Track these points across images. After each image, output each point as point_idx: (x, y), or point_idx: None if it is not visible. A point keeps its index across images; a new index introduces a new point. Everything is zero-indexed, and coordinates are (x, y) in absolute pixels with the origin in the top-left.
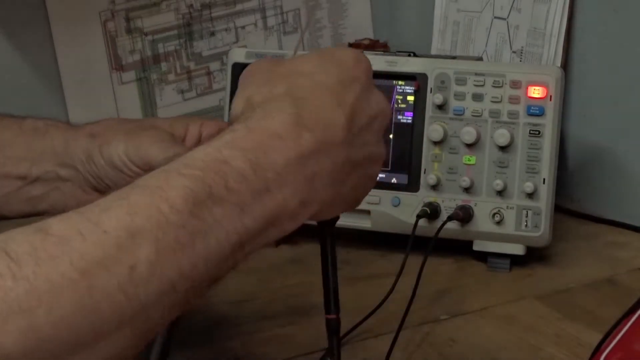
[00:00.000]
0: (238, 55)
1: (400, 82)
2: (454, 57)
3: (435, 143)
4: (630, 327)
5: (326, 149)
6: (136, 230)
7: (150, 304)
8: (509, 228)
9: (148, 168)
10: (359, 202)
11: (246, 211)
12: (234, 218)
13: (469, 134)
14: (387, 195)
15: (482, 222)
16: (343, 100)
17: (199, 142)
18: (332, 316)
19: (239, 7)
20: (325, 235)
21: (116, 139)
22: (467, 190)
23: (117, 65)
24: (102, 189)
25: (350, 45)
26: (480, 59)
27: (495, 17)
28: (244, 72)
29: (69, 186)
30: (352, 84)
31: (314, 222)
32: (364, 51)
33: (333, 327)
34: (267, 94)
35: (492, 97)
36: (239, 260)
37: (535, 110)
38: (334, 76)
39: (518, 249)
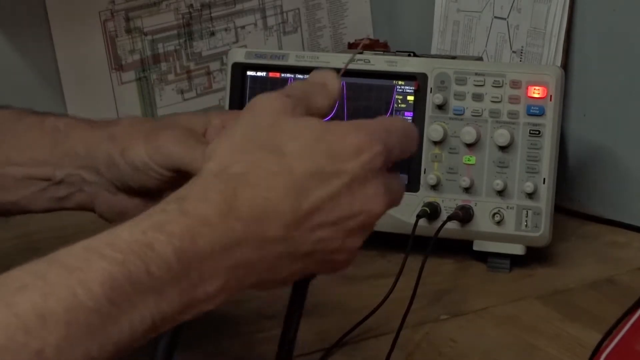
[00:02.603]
0: (238, 55)
1: (400, 82)
2: (454, 57)
3: (435, 143)
4: (630, 327)
5: (256, 244)
6: (48, 313)
7: None
8: (509, 228)
9: (173, 168)
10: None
11: (164, 297)
12: (151, 303)
13: (469, 134)
14: None
15: (482, 222)
16: (305, 195)
17: None
18: None
19: (238, 7)
20: (297, 292)
21: (136, 142)
22: (467, 190)
23: (117, 65)
24: (127, 191)
25: (351, 45)
26: (480, 58)
27: (495, 17)
28: (252, 107)
29: (94, 188)
30: (332, 179)
31: None
32: (364, 50)
33: None
34: (226, 166)
35: (492, 97)
36: (149, 338)
37: (536, 110)
38: (312, 165)
39: (518, 249)
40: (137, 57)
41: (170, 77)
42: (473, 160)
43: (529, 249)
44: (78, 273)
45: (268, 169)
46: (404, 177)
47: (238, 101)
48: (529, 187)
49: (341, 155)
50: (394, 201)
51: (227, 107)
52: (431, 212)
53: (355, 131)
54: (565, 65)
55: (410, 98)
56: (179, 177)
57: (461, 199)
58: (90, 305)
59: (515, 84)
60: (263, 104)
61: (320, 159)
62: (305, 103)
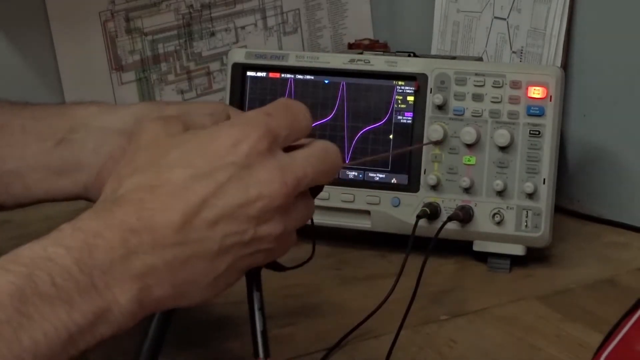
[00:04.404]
0: (238, 55)
1: (400, 82)
2: (453, 57)
3: (436, 143)
4: (630, 327)
5: (155, 251)
6: None
7: None
8: (509, 228)
9: None
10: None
11: (75, 307)
12: (62, 314)
13: (469, 134)
14: (387, 195)
15: (482, 222)
16: (187, 197)
17: None
18: None
19: (238, 7)
20: (250, 282)
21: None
22: (467, 190)
23: (117, 66)
24: None
25: (351, 45)
26: (480, 59)
27: (495, 17)
28: (136, 135)
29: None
30: (213, 175)
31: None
32: (365, 51)
33: None
34: (116, 188)
35: (492, 98)
36: (73, 356)
37: (536, 110)
38: (190, 169)
39: (518, 250)
40: (137, 57)
41: (171, 77)
42: (473, 160)
43: (529, 250)
44: None
45: (148, 184)
46: (404, 177)
47: (238, 101)
48: (529, 187)
49: (218, 153)
50: (299, 175)
51: None
52: (431, 212)
53: (228, 127)
54: (565, 66)
55: (410, 98)
56: None
57: (461, 199)
58: (1, 316)
59: (515, 84)
60: (145, 129)
61: (197, 162)
62: (184, 120)
